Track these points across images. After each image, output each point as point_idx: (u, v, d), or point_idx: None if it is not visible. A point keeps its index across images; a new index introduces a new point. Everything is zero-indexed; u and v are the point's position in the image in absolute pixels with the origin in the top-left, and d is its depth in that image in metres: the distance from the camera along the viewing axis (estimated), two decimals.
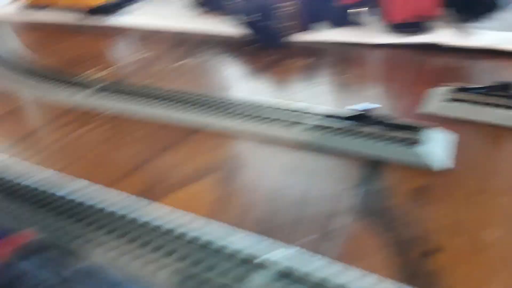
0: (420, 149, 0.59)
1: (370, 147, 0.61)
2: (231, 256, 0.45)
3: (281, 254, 0.45)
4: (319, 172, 0.61)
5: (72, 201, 0.56)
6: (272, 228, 0.51)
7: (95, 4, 1.39)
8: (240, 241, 0.47)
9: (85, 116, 0.81)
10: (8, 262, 0.38)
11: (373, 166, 0.59)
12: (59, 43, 1.23)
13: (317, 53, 1.00)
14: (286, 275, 0.42)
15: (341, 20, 1.07)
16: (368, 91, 0.82)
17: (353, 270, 0.44)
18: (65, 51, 1.16)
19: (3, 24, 1.46)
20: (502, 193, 0.53)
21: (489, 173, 0.57)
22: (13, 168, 0.66)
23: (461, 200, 0.53)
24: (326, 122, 0.66)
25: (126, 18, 1.36)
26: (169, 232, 0.49)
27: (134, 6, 1.44)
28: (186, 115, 0.76)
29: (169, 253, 0.46)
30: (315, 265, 0.44)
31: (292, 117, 0.69)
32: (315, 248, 0.48)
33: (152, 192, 0.59)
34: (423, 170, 0.58)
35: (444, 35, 0.96)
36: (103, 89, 0.85)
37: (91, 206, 0.54)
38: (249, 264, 0.43)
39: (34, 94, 0.92)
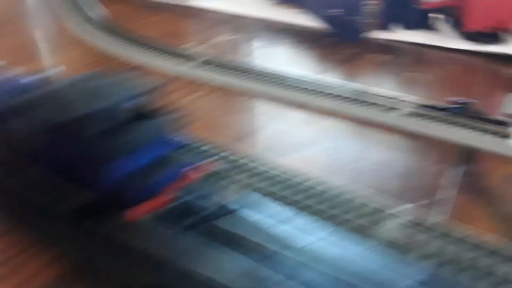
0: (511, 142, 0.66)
1: (465, 136, 0.69)
2: (363, 205, 0.53)
3: (402, 210, 0.53)
4: (418, 152, 0.69)
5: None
6: (381, 193, 0.59)
7: None
8: (365, 196, 0.56)
9: (192, 85, 0.90)
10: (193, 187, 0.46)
11: (469, 153, 0.67)
12: (147, 18, 1.32)
13: (394, 51, 1.08)
14: (414, 225, 0.50)
15: (420, 23, 1.15)
16: (448, 90, 0.89)
17: (469, 228, 0.51)
18: (156, 25, 1.25)
19: None
20: None
21: None
22: None
23: None
24: (422, 111, 0.74)
25: (205, 1, 1.44)
26: (299, 184, 0.58)
27: None
28: (285, 92, 0.84)
29: (308, 197, 0.55)
30: (433, 220, 0.52)
31: (388, 103, 0.77)
32: (425, 213, 0.56)
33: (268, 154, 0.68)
34: None
35: None
36: (207, 62, 0.94)
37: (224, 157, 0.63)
38: (380, 213, 0.52)
39: (140, 61, 1.01)
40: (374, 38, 1.13)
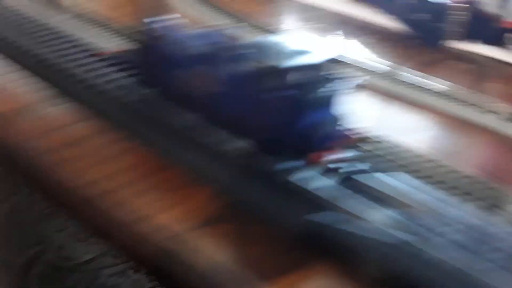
0: None
1: None
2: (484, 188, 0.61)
3: None
4: None
5: None
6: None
7: None
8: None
9: None
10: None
11: None
12: None
13: (474, 62, 1.14)
14: None
15: (496, 40, 1.20)
16: None
17: None
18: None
19: None
20: None
21: None
22: None
23: None
24: None
25: None
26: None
27: None
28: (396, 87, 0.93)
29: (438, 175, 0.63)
30: None
31: (485, 106, 0.85)
32: None
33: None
34: None
35: None
36: None
37: None
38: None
39: None
40: (454, 47, 1.19)
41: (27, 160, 0.61)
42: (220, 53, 0.57)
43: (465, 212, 0.52)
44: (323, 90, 0.54)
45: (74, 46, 0.82)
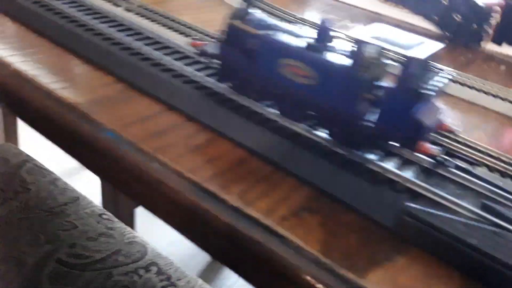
0: None
1: None
2: None
3: None
4: None
5: None
6: None
7: None
8: None
9: None
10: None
11: None
12: None
13: (507, 65, 1.16)
14: None
15: None
16: None
17: None
18: None
19: None
20: None
21: None
22: None
23: None
24: None
25: None
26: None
27: None
28: None
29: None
30: None
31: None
32: None
33: None
34: None
35: None
36: None
37: None
38: None
39: None
40: (488, 50, 1.21)
41: (110, 152, 0.61)
42: (319, 46, 0.58)
43: None
44: (430, 83, 0.56)
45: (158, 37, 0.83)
